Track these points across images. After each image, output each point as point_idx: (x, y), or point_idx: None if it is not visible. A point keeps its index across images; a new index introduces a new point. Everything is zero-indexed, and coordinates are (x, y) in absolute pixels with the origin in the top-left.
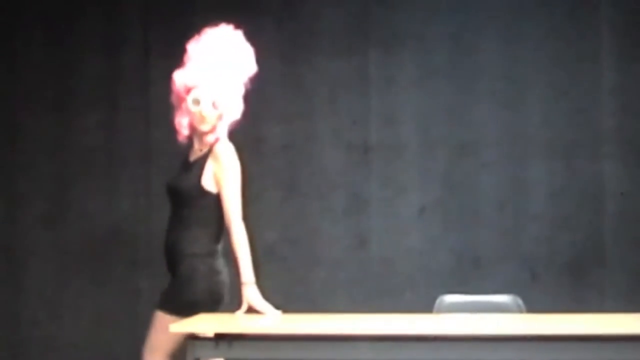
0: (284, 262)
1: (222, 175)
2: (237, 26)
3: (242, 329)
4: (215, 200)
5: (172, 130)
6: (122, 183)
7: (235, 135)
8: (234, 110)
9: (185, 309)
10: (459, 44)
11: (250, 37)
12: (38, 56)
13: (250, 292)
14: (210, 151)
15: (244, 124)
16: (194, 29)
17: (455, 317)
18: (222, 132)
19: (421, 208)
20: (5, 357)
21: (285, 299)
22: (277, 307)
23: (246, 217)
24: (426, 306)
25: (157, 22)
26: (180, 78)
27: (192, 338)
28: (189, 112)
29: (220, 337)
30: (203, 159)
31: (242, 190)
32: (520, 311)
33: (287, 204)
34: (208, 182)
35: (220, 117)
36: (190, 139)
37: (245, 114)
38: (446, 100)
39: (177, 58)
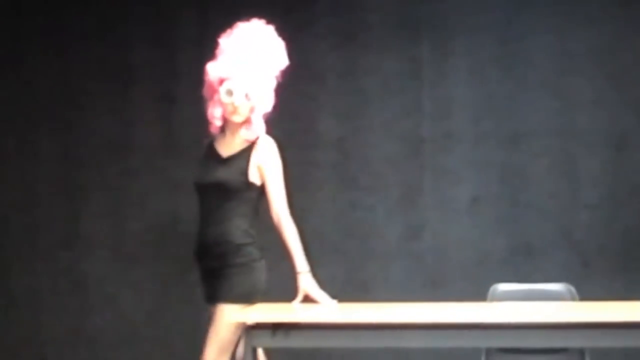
0: (338, 252)
1: (267, 169)
2: (291, 20)
3: (298, 319)
4: (259, 193)
5: None
6: (181, 176)
7: (290, 127)
8: (266, 102)
9: (249, 296)
10: (510, 36)
11: (304, 30)
12: (96, 53)
13: (306, 281)
14: (252, 146)
15: (298, 117)
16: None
17: (509, 305)
18: (261, 126)
19: (474, 198)
20: (68, 345)
21: (340, 289)
22: (332, 297)
23: (302, 209)
24: (479, 295)
25: (212, 16)
26: (213, 70)
27: (249, 327)
28: (221, 104)
29: (277, 327)
30: (246, 153)
31: (286, 182)
32: (573, 299)
33: (341, 196)
34: (253, 176)
35: (252, 110)
36: (222, 130)
37: (300, 107)
38: (498, 91)
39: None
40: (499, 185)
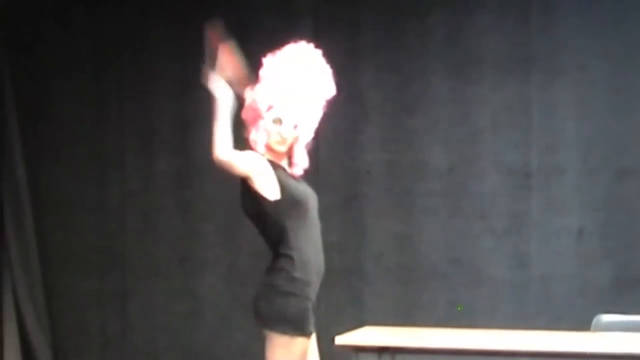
0: (447, 280)
1: None
2: (404, 51)
3: (405, 343)
4: None
5: (338, 149)
6: None
7: (400, 157)
8: (309, 134)
9: None
10: (618, 71)
11: (417, 63)
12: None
13: None
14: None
15: (409, 147)
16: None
17: (612, 336)
18: (305, 159)
19: (580, 230)
20: None
21: (448, 315)
22: (439, 323)
23: (410, 236)
24: (583, 325)
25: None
26: (261, 93)
27: (357, 350)
28: (266, 131)
29: (383, 350)
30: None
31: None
32: None
33: (450, 225)
34: None
35: (296, 140)
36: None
37: (411, 138)
38: (606, 125)
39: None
40: (605, 218)
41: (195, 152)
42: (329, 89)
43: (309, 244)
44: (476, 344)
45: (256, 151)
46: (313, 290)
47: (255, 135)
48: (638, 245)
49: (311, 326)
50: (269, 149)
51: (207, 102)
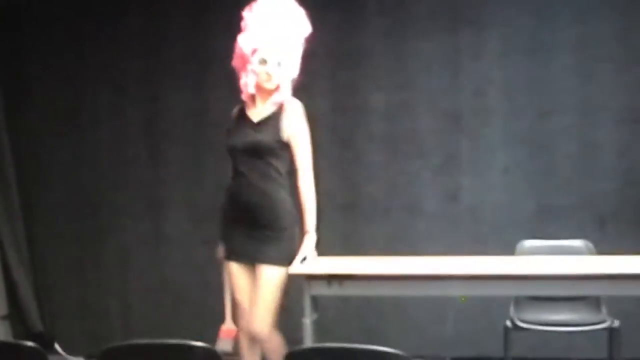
0: (388, 212)
1: (298, 131)
2: (345, 10)
3: (352, 270)
4: (289, 152)
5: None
6: None
7: (344, 102)
8: (294, 69)
9: (292, 260)
10: (539, 22)
11: (356, 17)
12: (182, 41)
13: (308, 241)
14: (281, 109)
15: (352, 93)
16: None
17: (535, 259)
18: (288, 91)
19: (505, 167)
20: (150, 293)
21: (389, 244)
22: (383, 251)
23: (355, 174)
24: (509, 250)
25: None
26: (244, 41)
27: (308, 278)
28: (255, 73)
29: (332, 278)
30: (277, 115)
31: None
32: (591, 254)
33: (390, 163)
34: (285, 136)
35: (282, 77)
36: (252, 98)
37: (353, 83)
38: (528, 72)
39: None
40: (527, 155)
41: (164, 102)
42: (304, 28)
43: (238, 181)
44: (414, 269)
45: (247, 93)
46: (235, 220)
47: (245, 79)
48: (557, 178)
49: (232, 253)
50: (259, 88)
51: (178, 56)
